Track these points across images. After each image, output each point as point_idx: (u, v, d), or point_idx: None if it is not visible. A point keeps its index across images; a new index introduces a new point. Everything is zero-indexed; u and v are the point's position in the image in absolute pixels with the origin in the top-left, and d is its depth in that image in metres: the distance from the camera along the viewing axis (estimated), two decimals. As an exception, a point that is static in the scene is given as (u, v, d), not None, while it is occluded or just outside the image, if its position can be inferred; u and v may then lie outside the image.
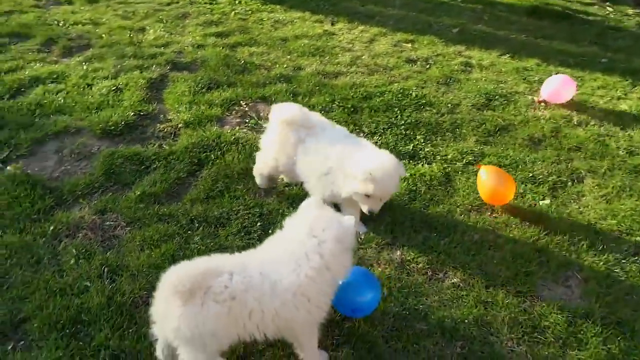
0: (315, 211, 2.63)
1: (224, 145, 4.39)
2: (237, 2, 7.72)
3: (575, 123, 5.15)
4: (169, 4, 7.50)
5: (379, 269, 3.35)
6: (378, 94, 5.36)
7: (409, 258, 3.45)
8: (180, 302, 2.33)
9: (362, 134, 4.66)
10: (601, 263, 3.52)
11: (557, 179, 4.31)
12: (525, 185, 4.23)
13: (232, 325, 2.42)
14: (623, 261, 3.55)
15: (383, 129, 4.79)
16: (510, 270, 3.39)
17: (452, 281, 3.32)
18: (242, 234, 3.56)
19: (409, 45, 6.67)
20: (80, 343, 2.75)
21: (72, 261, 3.24)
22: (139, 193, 3.82)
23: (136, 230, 3.52)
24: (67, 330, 2.81)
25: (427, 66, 6.12)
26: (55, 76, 5.32)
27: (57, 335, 2.77)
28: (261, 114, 4.91)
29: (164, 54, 5.90)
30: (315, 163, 3.45)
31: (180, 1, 7.60)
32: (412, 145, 4.61)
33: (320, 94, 5.26)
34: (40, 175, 3.97)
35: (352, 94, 5.28)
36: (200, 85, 5.28)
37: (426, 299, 3.18)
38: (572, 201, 4.10)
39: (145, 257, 3.29)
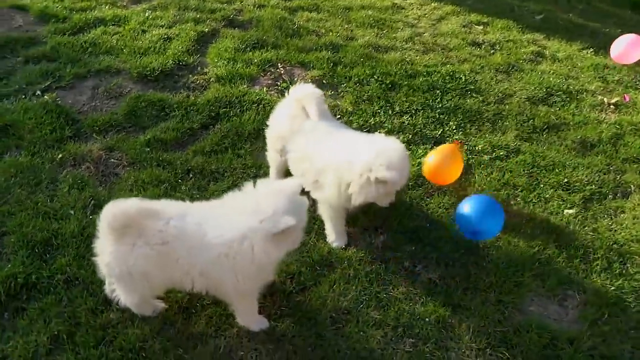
0: (274, 185, 2.50)
1: (246, 104, 4.37)
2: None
3: (646, 133, 4.50)
4: (248, -36, 7.52)
5: (354, 249, 3.18)
6: (425, 73, 5.04)
7: (390, 245, 3.24)
8: (113, 239, 2.36)
9: (391, 112, 4.42)
10: (612, 288, 3.09)
11: (597, 190, 3.82)
12: (555, 190, 3.79)
13: (160, 269, 2.41)
14: (640, 291, 3.07)
15: (416, 109, 4.51)
16: (498, 276, 3.07)
17: (429, 276, 3.07)
18: (231, 190, 3.53)
19: (480, 27, 6.18)
20: (43, 263, 2.90)
21: (66, 189, 3.42)
22: (149, 137, 3.92)
23: (133, 171, 3.63)
24: (37, 250, 2.98)
25: (492, 51, 5.64)
26: (117, 19, 5.57)
27: (25, 253, 2.94)
28: (295, 79, 4.82)
29: (223, 10, 5.95)
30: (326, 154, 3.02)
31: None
32: (442, 130, 4.30)
33: (363, 66, 5.05)
34: (70, 107, 4.20)
35: (396, 70, 5.01)
36: (245, 44, 5.27)
37: (392, 289, 2.97)
38: (605, 216, 3.62)
39: (129, 197, 3.37)
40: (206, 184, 3.59)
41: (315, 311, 2.80)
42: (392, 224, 3.37)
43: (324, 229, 3.25)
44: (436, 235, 3.31)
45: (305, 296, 2.88)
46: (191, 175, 3.64)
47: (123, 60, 4.87)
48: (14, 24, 5.37)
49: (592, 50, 5.83)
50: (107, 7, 5.87)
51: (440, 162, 3.53)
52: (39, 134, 3.86)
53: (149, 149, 3.82)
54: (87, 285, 2.83)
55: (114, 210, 2.32)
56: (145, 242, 2.36)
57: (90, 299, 2.76)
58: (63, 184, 3.47)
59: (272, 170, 3.57)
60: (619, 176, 4.00)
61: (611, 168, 4.07)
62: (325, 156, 2.99)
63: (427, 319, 2.82)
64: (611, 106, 4.86)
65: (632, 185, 3.92)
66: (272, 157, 3.49)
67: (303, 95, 3.23)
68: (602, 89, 5.13)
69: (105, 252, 2.41)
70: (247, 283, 2.43)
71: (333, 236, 3.18)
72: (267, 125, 3.50)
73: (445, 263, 3.15)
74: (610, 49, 5.50)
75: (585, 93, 5.02)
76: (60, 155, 3.69)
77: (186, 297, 2.80)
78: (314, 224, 3.28)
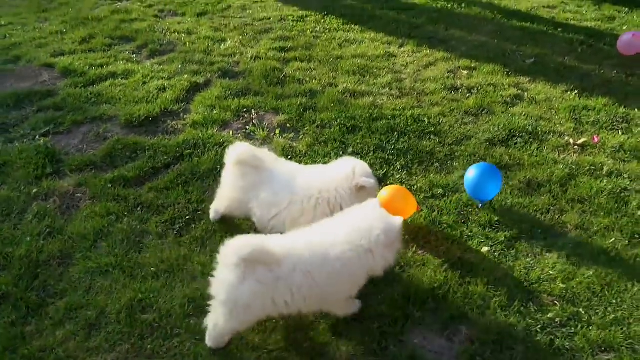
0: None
1: (209, 146, 4.81)
2: (323, 21, 8.09)
3: (604, 173, 4.42)
4: (261, 20, 8.20)
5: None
6: (389, 116, 5.26)
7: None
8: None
9: (342, 153, 4.68)
10: (505, 325, 3.08)
11: (528, 228, 3.82)
12: (484, 229, 3.84)
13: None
14: (534, 329, 3.05)
15: (368, 151, 4.73)
16: (388, 307, 3.17)
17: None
18: (168, 223, 3.93)
19: (466, 72, 6.32)
20: (-13, 283, 3.41)
21: (30, 219, 3.97)
22: (115, 175, 4.44)
23: (91, 205, 4.13)
24: (-14, 270, 3.49)
25: (468, 95, 5.76)
26: (127, 73, 6.31)
27: (-25, 270, 3.46)
28: (263, 123, 5.22)
29: (222, 62, 6.55)
30: (279, 195, 3.35)
31: (272, 18, 8.24)
32: (386, 170, 4.48)
33: (331, 111, 5.36)
34: (60, 150, 4.84)
35: (361, 114, 5.27)
36: (230, 92, 5.78)
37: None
38: (528, 255, 3.62)
39: (80, 228, 3.86)
40: (148, 216, 4.00)
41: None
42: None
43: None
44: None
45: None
46: (139, 209, 4.07)
47: (118, 108, 5.52)
48: (40, 79, 6.24)
49: (576, 92, 5.78)
50: (123, 62, 6.65)
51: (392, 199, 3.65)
52: (24, 172, 4.49)
53: (110, 185, 4.32)
54: (16, 301, 3.28)
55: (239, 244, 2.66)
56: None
57: (14, 312, 3.20)
58: (29, 214, 4.02)
59: (219, 209, 3.81)
60: (558, 216, 3.97)
61: (552, 208, 4.04)
62: (304, 184, 3.33)
63: (304, 345, 2.98)
64: (576, 147, 4.80)
65: (569, 225, 3.88)
66: (225, 203, 3.71)
67: (239, 156, 3.45)
68: (572, 130, 5.08)
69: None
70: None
71: None
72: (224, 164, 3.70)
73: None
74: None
75: (552, 134, 5.00)
76: (35, 190, 4.27)
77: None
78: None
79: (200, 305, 3.23)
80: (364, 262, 2.80)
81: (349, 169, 3.33)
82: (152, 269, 3.52)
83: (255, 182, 3.44)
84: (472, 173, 3.86)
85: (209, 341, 2.93)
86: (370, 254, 2.79)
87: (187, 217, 3.98)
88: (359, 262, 2.78)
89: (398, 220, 2.88)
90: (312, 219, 3.14)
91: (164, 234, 3.83)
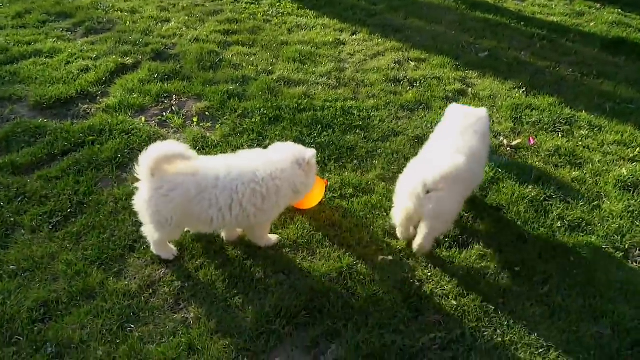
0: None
1: (116, 133, 4.46)
2: (278, 4, 7.70)
3: (532, 178, 4.11)
4: (213, 0, 7.79)
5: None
6: (318, 108, 4.92)
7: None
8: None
9: (257, 145, 4.35)
10: (377, 344, 2.77)
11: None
12: (386, 236, 3.52)
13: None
14: (409, 351, 2.75)
15: (285, 144, 4.38)
16: (255, 323, 2.87)
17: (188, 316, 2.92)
18: (46, 216, 3.60)
19: (414, 64, 5.97)
20: None
21: None
22: (5, 160, 4.09)
23: (-30, 191, 3.79)
24: None
25: (409, 88, 5.42)
26: (53, 51, 5.93)
27: None
28: (182, 110, 4.87)
29: (157, 44, 6.17)
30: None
31: (225, -1, 7.83)
32: (299, 166, 4.13)
33: (258, 99, 5.02)
34: (-44, 130, 4.49)
35: (288, 104, 4.93)
36: (157, 76, 5.42)
37: (137, 326, 2.85)
38: (425, 267, 3.29)
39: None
40: (29, 208, 3.67)
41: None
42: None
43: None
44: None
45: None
46: (19, 199, 3.74)
47: (31, 88, 5.15)
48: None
49: (524, 90, 5.45)
50: (53, 40, 6.26)
51: None
52: None
53: (-3, 171, 3.98)
54: None
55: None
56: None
57: None
58: None
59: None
60: (471, 223, 3.66)
61: (467, 214, 3.73)
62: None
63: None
64: (509, 149, 4.48)
65: (479, 234, 3.57)
66: None
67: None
68: (510, 130, 4.76)
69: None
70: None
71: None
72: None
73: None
74: None
75: (487, 134, 4.66)
76: None
77: None
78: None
79: (52, 310, 2.92)
80: (285, 183, 3.07)
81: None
82: (11, 266, 3.19)
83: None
84: None
85: (155, 251, 3.21)
86: (288, 176, 3.08)
87: (69, 210, 3.65)
88: (279, 183, 3.04)
89: (311, 151, 3.18)
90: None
91: (37, 228, 3.50)
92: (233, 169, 2.99)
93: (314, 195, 3.60)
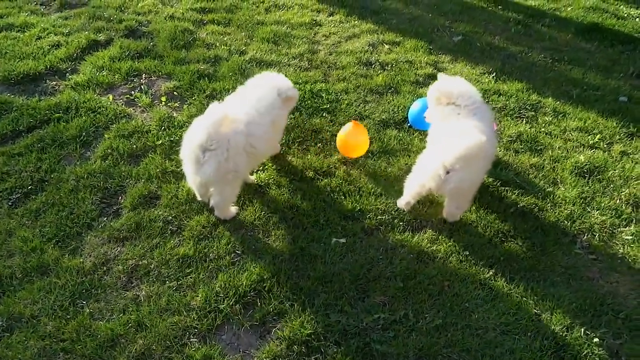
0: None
1: (82, 111, 4.47)
2: (258, -18, 7.60)
3: (492, 165, 4.17)
4: (193, -23, 7.68)
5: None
6: (287, 90, 4.92)
7: (121, 257, 3.19)
8: None
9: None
10: (320, 327, 2.86)
11: (390, 219, 3.57)
12: (343, 219, 3.58)
13: None
14: (351, 330, 2.84)
15: (250, 125, 4.41)
16: (207, 299, 2.94)
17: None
18: (6, 193, 3.63)
19: (387, 47, 5.97)
20: None
21: None
22: (-31, 136, 4.10)
23: None
24: None
25: (379, 72, 5.44)
26: (25, 26, 5.87)
27: None
28: (152, 90, 4.87)
29: (131, 21, 6.12)
30: None
31: (205, -25, 7.71)
32: (263, 148, 4.17)
33: (228, 80, 5.03)
34: None
35: (257, 85, 4.93)
36: (128, 53, 5.40)
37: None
38: (377, 249, 3.37)
39: None
40: (-11, 184, 3.70)
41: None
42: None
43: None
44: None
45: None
46: (-21, 176, 3.76)
47: (0, 63, 5.12)
48: None
49: (494, 75, 5.48)
50: (26, 13, 6.19)
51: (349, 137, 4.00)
52: None
53: (-40, 147, 3.99)
54: None
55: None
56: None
57: None
58: None
59: None
60: (426, 208, 3.73)
61: (423, 199, 3.79)
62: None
63: (99, 335, 2.74)
64: (473, 134, 4.53)
65: (433, 220, 3.65)
66: None
67: None
68: (475, 115, 4.79)
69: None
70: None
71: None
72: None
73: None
74: None
75: (452, 119, 4.70)
76: None
77: None
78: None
79: (5, 285, 2.99)
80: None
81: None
82: (-35, 243, 3.24)
83: None
84: (416, 106, 4.37)
85: (220, 215, 3.45)
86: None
87: (30, 187, 3.69)
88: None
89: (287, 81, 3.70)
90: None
91: (-2, 204, 3.53)
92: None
93: (362, 142, 4.02)
